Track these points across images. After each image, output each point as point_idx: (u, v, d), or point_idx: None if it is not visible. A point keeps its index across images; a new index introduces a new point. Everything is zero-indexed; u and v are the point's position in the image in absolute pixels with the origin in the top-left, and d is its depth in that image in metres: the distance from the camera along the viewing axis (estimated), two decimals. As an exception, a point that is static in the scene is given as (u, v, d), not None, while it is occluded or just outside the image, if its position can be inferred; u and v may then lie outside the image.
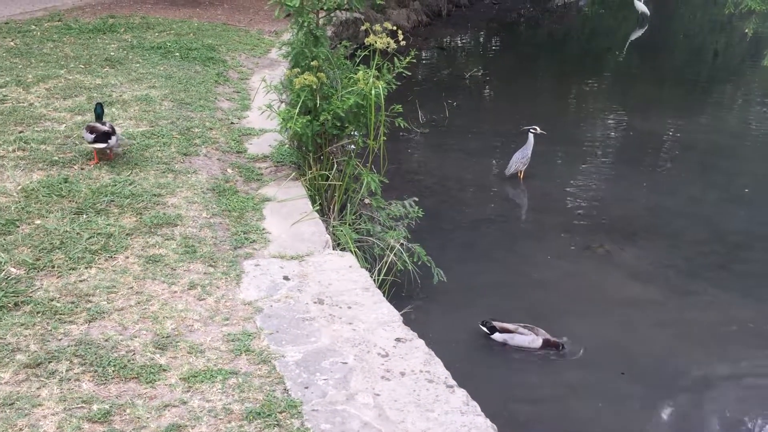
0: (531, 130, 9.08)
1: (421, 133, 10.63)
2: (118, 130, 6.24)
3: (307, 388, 3.56)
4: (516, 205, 8.86)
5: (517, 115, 11.33)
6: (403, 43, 5.86)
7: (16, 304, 4.09)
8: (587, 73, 15.27)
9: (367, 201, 6.42)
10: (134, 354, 3.76)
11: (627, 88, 14.34)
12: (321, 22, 6.21)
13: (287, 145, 6.54)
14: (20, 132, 6.50)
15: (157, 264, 4.61)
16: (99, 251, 4.68)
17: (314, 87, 5.83)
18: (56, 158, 6.02)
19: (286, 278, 4.59)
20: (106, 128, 5.84)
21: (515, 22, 20.92)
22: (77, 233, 4.85)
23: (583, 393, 5.44)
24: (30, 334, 3.86)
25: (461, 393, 3.60)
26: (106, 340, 3.85)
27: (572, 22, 21.99)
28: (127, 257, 4.67)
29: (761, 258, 7.43)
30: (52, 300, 4.15)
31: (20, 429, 3.23)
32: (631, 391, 5.45)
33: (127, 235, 4.92)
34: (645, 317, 6.34)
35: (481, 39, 19.06)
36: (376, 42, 5.86)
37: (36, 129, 6.62)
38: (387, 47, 5.86)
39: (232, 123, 7.40)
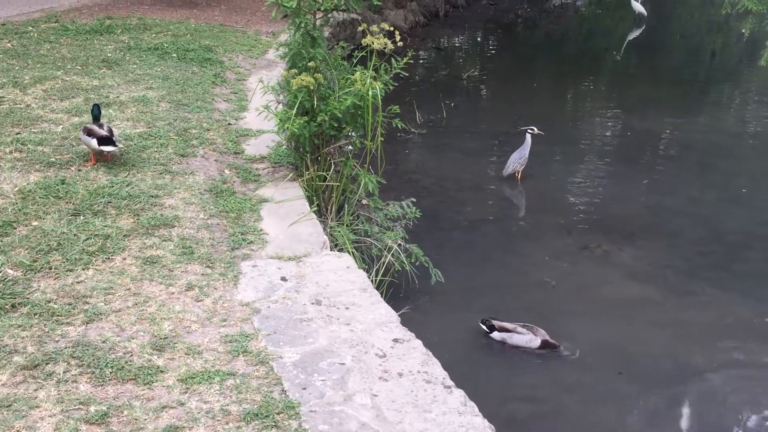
0: (528, 131, 9.09)
1: (418, 134, 10.63)
2: (115, 131, 6.23)
3: (304, 389, 3.56)
4: (513, 206, 8.86)
5: (515, 115, 11.34)
6: (400, 43, 5.86)
7: (13, 306, 4.09)
8: (584, 73, 15.29)
9: (364, 202, 6.42)
10: (132, 355, 3.75)
11: (624, 89, 14.35)
12: (318, 23, 6.21)
13: (284, 146, 6.54)
14: (17, 133, 6.49)
15: (154, 265, 4.61)
16: (96, 253, 4.67)
17: (311, 88, 5.83)
18: (53, 160, 6.02)
19: (283, 279, 4.59)
20: (104, 132, 5.82)
21: (512, 23, 20.94)
22: (74, 235, 4.85)
23: (581, 393, 5.44)
24: (27, 336, 3.85)
25: (459, 393, 3.60)
26: (104, 342, 3.84)
27: (569, 22, 22.01)
28: (125, 258, 4.66)
29: (759, 258, 7.44)
30: (49, 301, 4.15)
31: (17, 431, 3.22)
32: (629, 391, 5.45)
33: (124, 236, 4.91)
34: (643, 317, 6.35)
35: (479, 39, 19.07)
36: (373, 43, 5.86)
37: (33, 130, 6.61)
38: (384, 48, 5.86)
39: (229, 124, 7.40)
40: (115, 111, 7.24)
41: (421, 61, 15.22)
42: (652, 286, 6.85)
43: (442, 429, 3.35)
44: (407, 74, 6.29)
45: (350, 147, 6.42)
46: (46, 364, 3.65)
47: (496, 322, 5.96)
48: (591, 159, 10.17)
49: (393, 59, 5.99)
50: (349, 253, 5.44)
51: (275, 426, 3.30)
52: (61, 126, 6.75)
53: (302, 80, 5.74)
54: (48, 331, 3.90)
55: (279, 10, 6.10)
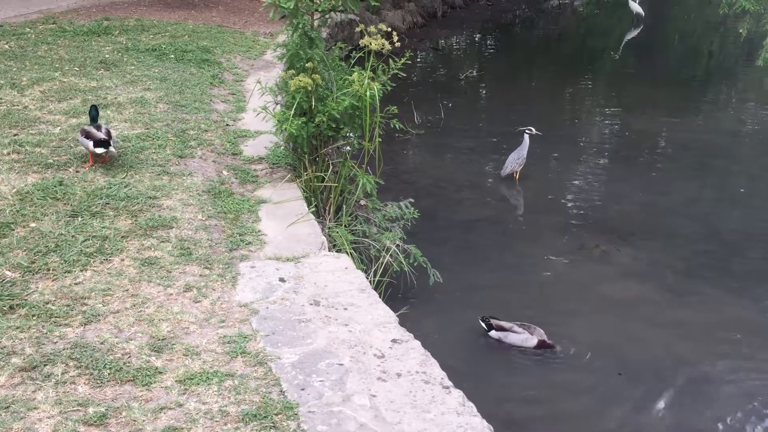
0: (526, 131, 9.10)
1: (416, 135, 10.64)
2: (113, 132, 6.23)
3: (303, 389, 3.56)
4: (512, 206, 8.87)
5: (513, 115, 11.34)
6: (398, 44, 5.87)
7: (11, 308, 4.09)
8: (582, 73, 15.30)
9: (362, 202, 6.42)
10: (130, 356, 3.75)
11: (622, 89, 14.37)
12: (316, 23, 6.21)
13: (283, 147, 6.54)
14: (15, 135, 6.49)
15: (152, 266, 4.61)
16: (94, 254, 4.67)
17: (309, 89, 5.83)
18: (51, 161, 6.01)
19: (282, 280, 4.59)
20: (102, 135, 5.82)
21: (510, 23, 20.96)
22: (72, 236, 4.84)
23: (580, 393, 5.45)
24: (25, 338, 3.85)
25: (457, 394, 3.60)
26: (102, 343, 3.84)
27: (567, 22, 22.03)
28: (123, 260, 4.66)
29: (757, 257, 7.46)
30: (47, 303, 4.15)
31: (16, 432, 3.22)
32: (628, 391, 5.45)
33: (122, 237, 4.91)
34: (641, 316, 6.36)
35: (476, 40, 19.08)
36: (371, 43, 5.87)
37: (31, 132, 6.60)
38: (382, 48, 5.87)
39: (227, 125, 7.40)
40: (112, 112, 7.24)
41: (418, 62, 15.23)
42: (651, 285, 6.86)
43: (441, 429, 3.35)
44: (405, 75, 6.30)
45: (348, 148, 6.42)
46: (45, 365, 3.64)
47: (494, 321, 5.97)
48: (589, 159, 10.18)
49: (391, 60, 5.99)
50: (348, 253, 5.44)
51: (274, 427, 3.30)
52: (59, 127, 6.75)
53: (300, 81, 5.74)
54: (46, 333, 3.89)
55: (277, 11, 6.10)
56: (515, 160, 9.04)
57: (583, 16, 23.12)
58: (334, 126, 6.06)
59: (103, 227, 5.00)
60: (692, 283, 6.91)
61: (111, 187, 5.57)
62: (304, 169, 6.13)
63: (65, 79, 8.13)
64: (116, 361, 3.69)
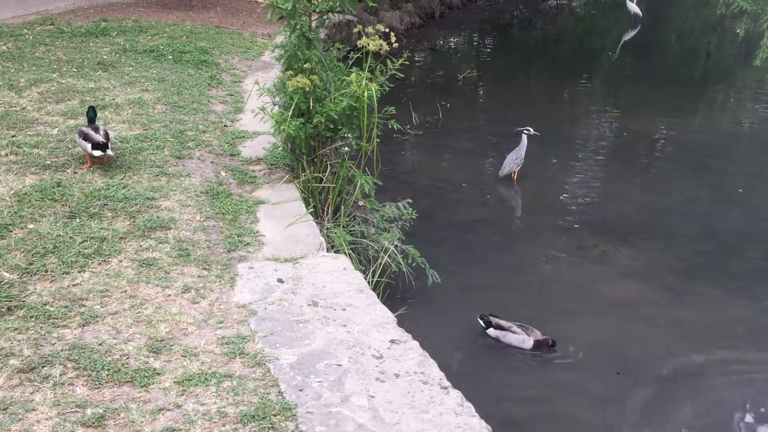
0: (524, 131, 9.10)
1: (414, 135, 10.64)
2: (111, 134, 6.23)
3: (301, 390, 3.56)
4: (510, 206, 8.87)
5: (511, 116, 11.35)
6: (395, 45, 5.87)
7: (9, 309, 4.08)
8: (580, 73, 15.30)
9: (361, 203, 6.42)
10: (128, 358, 3.75)
11: (620, 89, 14.38)
12: (314, 24, 6.21)
13: (281, 148, 6.54)
14: (13, 136, 6.48)
15: (150, 267, 4.60)
16: (92, 255, 4.67)
17: (307, 89, 5.83)
18: (49, 162, 6.01)
19: (280, 281, 4.59)
20: (101, 138, 5.81)
21: (508, 24, 20.96)
22: (70, 237, 4.84)
23: (579, 393, 5.45)
24: (23, 339, 3.85)
25: (456, 394, 3.61)
26: (100, 344, 3.84)
27: (565, 23, 22.04)
28: (121, 261, 4.66)
29: (756, 257, 7.46)
30: (45, 304, 4.14)
31: (14, 434, 3.22)
32: (627, 391, 5.46)
33: (120, 238, 4.91)
34: (640, 316, 6.36)
35: (474, 40, 19.09)
36: (368, 44, 5.87)
37: (29, 133, 6.60)
38: (380, 49, 5.87)
39: (225, 126, 7.40)
40: (110, 113, 7.24)
41: (416, 63, 15.22)
42: (649, 285, 6.86)
43: (439, 430, 3.35)
44: (403, 75, 6.30)
45: (346, 148, 6.42)
46: (43, 367, 3.64)
47: (493, 319, 5.98)
48: (587, 159, 10.18)
49: (388, 60, 6.00)
50: (346, 254, 5.45)
51: (272, 428, 3.30)
52: (57, 128, 6.75)
53: (298, 82, 5.74)
54: (44, 334, 3.89)
55: (275, 12, 6.10)
56: (513, 161, 9.05)
57: (580, 16, 23.13)
58: (332, 127, 6.06)
59: (101, 228, 4.99)
60: (691, 283, 6.92)
61: (109, 188, 5.57)
62: (303, 170, 6.13)
63: (63, 81, 8.13)
64: (114, 363, 3.69)
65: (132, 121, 7.07)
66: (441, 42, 17.70)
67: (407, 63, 6.12)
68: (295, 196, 5.87)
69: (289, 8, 5.91)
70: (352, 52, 6.29)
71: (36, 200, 5.31)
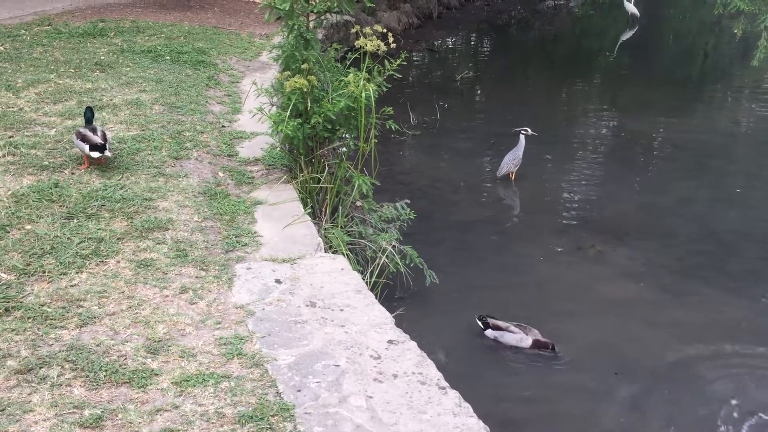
0: (522, 132, 9.11)
1: (412, 136, 10.64)
2: (108, 134, 6.23)
3: (299, 391, 3.56)
4: (508, 207, 8.87)
5: (508, 116, 11.35)
6: (393, 45, 5.86)
7: (6, 310, 4.08)
8: (578, 74, 15.31)
9: (358, 203, 6.42)
10: (126, 359, 3.75)
11: (617, 89, 14.39)
12: (311, 25, 6.21)
13: (278, 148, 6.54)
14: (10, 137, 6.48)
15: (148, 268, 4.60)
16: (90, 256, 4.66)
17: (305, 90, 5.83)
18: (46, 163, 6.00)
19: (278, 281, 4.58)
20: (98, 139, 5.81)
21: (506, 24, 20.97)
22: (68, 238, 4.84)
23: (577, 393, 5.45)
24: (21, 340, 3.84)
25: (454, 394, 3.61)
26: (98, 345, 3.83)
27: (563, 23, 22.06)
28: (118, 262, 4.66)
29: (753, 257, 7.47)
30: (42, 305, 4.14)
31: (11, 435, 3.22)
32: (625, 391, 5.46)
33: (118, 239, 4.91)
34: (638, 316, 6.36)
35: (472, 41, 19.10)
36: (366, 44, 5.87)
37: (26, 134, 6.59)
38: (377, 50, 5.87)
39: (223, 126, 7.39)
40: (108, 114, 7.23)
41: (414, 63, 15.22)
42: (647, 285, 6.87)
43: (437, 430, 3.35)
44: (401, 76, 6.29)
45: (344, 149, 6.42)
46: (40, 368, 3.64)
47: (491, 320, 5.98)
48: (585, 159, 10.19)
49: (386, 61, 6.00)
50: (344, 254, 5.44)
51: (270, 428, 3.30)
52: (54, 129, 6.74)
53: (296, 82, 5.74)
54: (42, 335, 3.89)
55: (272, 13, 6.10)
56: (511, 161, 9.05)
57: (578, 16, 23.15)
58: (329, 127, 6.05)
59: (99, 229, 4.99)
60: (689, 283, 6.92)
61: (106, 189, 5.56)
62: (300, 171, 6.12)
63: (60, 81, 8.12)
64: (112, 363, 3.69)
65: (129, 122, 7.06)
66: (439, 42, 17.71)
67: (405, 63, 6.12)
68: (292, 197, 5.87)
69: (287, 9, 5.90)
70: (349, 53, 6.29)
71: (33, 201, 5.30)
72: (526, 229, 8.11)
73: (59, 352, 3.76)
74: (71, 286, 4.35)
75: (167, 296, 4.34)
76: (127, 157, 6.25)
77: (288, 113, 5.89)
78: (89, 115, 6.09)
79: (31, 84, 7.90)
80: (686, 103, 13.26)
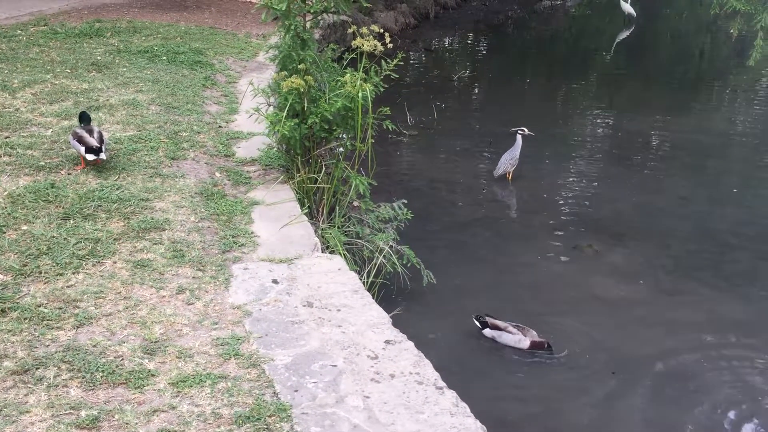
0: (519, 132, 9.12)
1: (409, 136, 10.64)
2: (105, 134, 6.22)
3: (296, 391, 3.56)
4: (505, 206, 8.88)
5: (505, 116, 11.36)
6: (390, 45, 5.87)
7: (2, 311, 4.07)
8: (575, 74, 15.34)
9: (355, 203, 6.42)
10: (122, 359, 3.74)
11: (614, 89, 14.41)
12: (308, 25, 6.21)
13: (275, 149, 6.53)
14: (6, 137, 6.46)
15: (145, 269, 4.59)
16: (86, 256, 4.66)
17: (302, 90, 5.83)
18: (43, 163, 5.99)
19: (275, 282, 4.58)
20: (95, 142, 5.80)
21: (503, 24, 20.99)
22: (64, 238, 4.83)
23: (574, 392, 5.46)
24: (17, 341, 3.83)
25: (451, 394, 3.61)
26: (94, 346, 3.83)
27: (559, 23, 22.08)
28: (115, 262, 4.65)
29: (750, 257, 7.49)
30: (39, 306, 4.13)
31: (8, 436, 3.21)
32: (622, 390, 5.47)
33: (114, 240, 4.90)
34: (634, 316, 6.37)
35: (469, 41, 19.10)
36: (363, 45, 5.86)
37: (22, 134, 6.58)
38: (374, 50, 5.87)
39: (220, 127, 7.39)
40: (104, 114, 7.22)
41: (411, 63, 15.23)
42: (644, 285, 6.88)
43: (435, 430, 3.35)
44: (397, 76, 6.30)
45: (341, 149, 6.42)
46: (37, 368, 3.63)
47: (489, 319, 5.98)
48: (581, 159, 10.20)
49: (383, 61, 6.00)
50: (341, 255, 5.44)
51: (267, 429, 3.30)
52: (51, 129, 6.73)
53: (292, 82, 5.74)
54: (38, 336, 3.88)
55: (269, 13, 6.09)
56: (508, 161, 9.06)
57: (575, 16, 23.18)
58: (326, 127, 6.05)
59: (95, 230, 4.98)
60: (685, 283, 6.94)
61: (103, 190, 5.55)
62: (297, 171, 6.12)
63: (57, 81, 8.11)
64: (109, 364, 3.68)
65: (126, 122, 7.05)
66: (436, 42, 17.71)
67: (402, 63, 6.12)
68: (289, 197, 5.87)
69: (284, 9, 5.90)
70: (346, 53, 6.28)
71: (30, 201, 5.29)
72: (523, 229, 8.12)
73: (56, 352, 3.75)
74: (68, 286, 4.35)
75: (164, 297, 4.33)
76: (124, 157, 6.24)
77: (285, 113, 5.88)
78: (85, 119, 6.10)
79: (28, 84, 7.89)
80: (683, 102, 13.28)
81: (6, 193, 5.41)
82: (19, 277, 4.40)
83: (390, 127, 6.28)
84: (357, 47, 5.92)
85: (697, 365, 5.76)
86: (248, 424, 3.31)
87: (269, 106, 6.55)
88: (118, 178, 5.84)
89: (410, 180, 9.17)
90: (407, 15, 18.00)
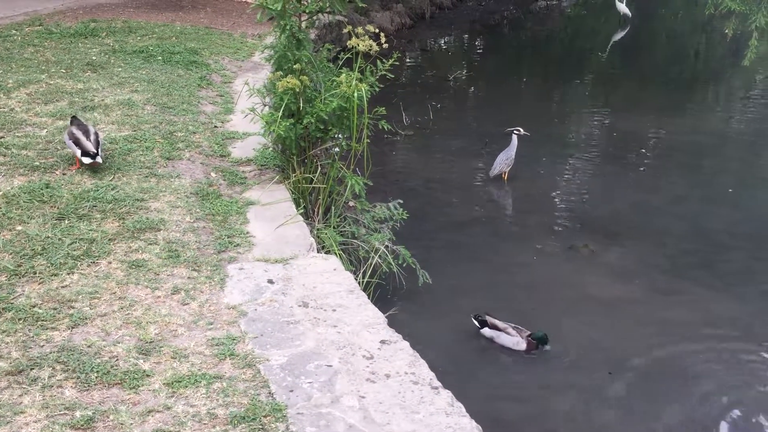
0: (514, 132, 9.13)
1: (405, 136, 10.65)
2: (101, 135, 6.21)
3: (292, 391, 3.55)
4: (500, 206, 8.89)
5: (501, 116, 11.37)
6: (385, 45, 5.87)
7: (-3, 311, 4.06)
8: (570, 74, 15.35)
9: (351, 203, 6.42)
10: (117, 360, 3.73)
11: (609, 89, 14.43)
12: (304, 25, 6.20)
13: (271, 149, 6.53)
14: (1, 137, 6.45)
15: (140, 269, 4.58)
16: (81, 257, 4.65)
17: (297, 90, 5.82)
18: (37, 163, 5.98)
19: (270, 282, 4.58)
20: (91, 147, 5.78)
21: (498, 24, 21.00)
22: (59, 239, 4.82)
23: (570, 392, 5.46)
24: (12, 341, 3.82)
25: (446, 394, 3.61)
26: (89, 346, 3.82)
27: (555, 23, 22.11)
28: (110, 262, 4.64)
29: (745, 257, 7.50)
30: (33, 306, 4.12)
31: (2, 437, 3.20)
32: (618, 390, 5.47)
33: (109, 240, 4.89)
34: (630, 316, 6.38)
35: (465, 41, 19.11)
36: (358, 45, 5.86)
37: (17, 134, 6.56)
38: (370, 50, 5.87)
39: (215, 127, 7.38)
40: (100, 114, 7.21)
41: (407, 63, 15.23)
42: (640, 284, 6.89)
43: (430, 430, 3.35)
44: (393, 76, 6.30)
45: (337, 149, 6.41)
46: (31, 369, 3.62)
47: (489, 319, 5.98)
48: (577, 159, 10.21)
49: (379, 61, 6.00)
50: (336, 255, 5.44)
51: (262, 429, 3.29)
52: (46, 130, 6.71)
53: (288, 82, 5.73)
54: (33, 336, 3.87)
55: (264, 13, 6.08)
56: (504, 161, 9.07)
57: (570, 17, 23.21)
58: (322, 127, 6.05)
59: (90, 230, 4.97)
60: (681, 282, 6.95)
61: (98, 190, 5.54)
62: (293, 171, 6.12)
63: (52, 81, 8.09)
64: (103, 365, 3.67)
65: (121, 122, 7.04)
66: (431, 42, 17.72)
67: (397, 63, 6.12)
68: (285, 197, 5.87)
69: (279, 9, 5.90)
70: (342, 53, 6.29)
71: (24, 202, 5.28)
72: (518, 229, 8.13)
73: (50, 353, 3.74)
74: (62, 287, 4.34)
75: (159, 297, 4.32)
76: (119, 157, 6.23)
77: (280, 113, 5.88)
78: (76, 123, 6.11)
79: (22, 84, 7.86)
80: (678, 102, 13.31)
81: (1, 193, 5.40)
82: (14, 277, 4.39)
83: (386, 127, 6.28)
84: (352, 47, 5.92)
85: (693, 364, 5.77)
86: (243, 425, 3.31)
87: (265, 106, 6.55)
88: (113, 178, 5.83)
89: (406, 180, 9.18)
90: (403, 15, 18.00)
